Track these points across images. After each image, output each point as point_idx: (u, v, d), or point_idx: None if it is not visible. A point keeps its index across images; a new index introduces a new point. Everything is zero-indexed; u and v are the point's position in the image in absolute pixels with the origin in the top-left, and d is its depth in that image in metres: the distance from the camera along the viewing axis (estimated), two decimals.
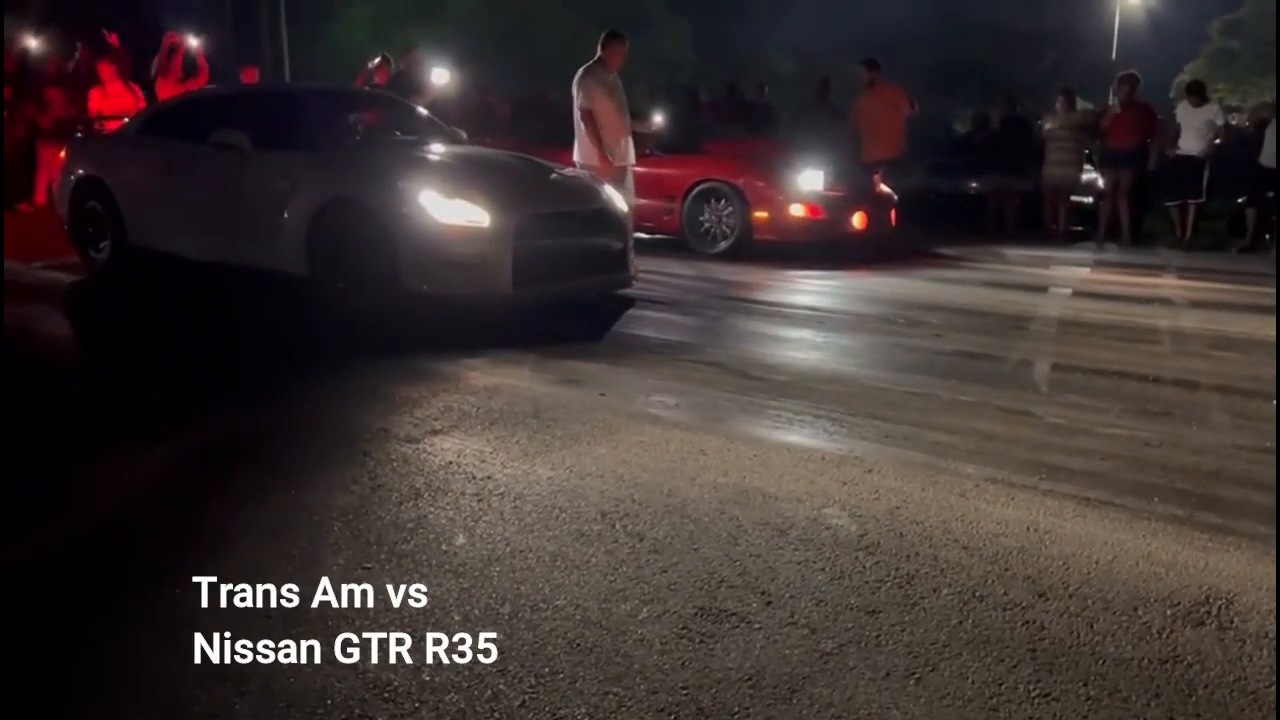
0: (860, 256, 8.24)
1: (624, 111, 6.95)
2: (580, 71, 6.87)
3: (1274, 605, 2.22)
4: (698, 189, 8.36)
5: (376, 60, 9.82)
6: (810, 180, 8.23)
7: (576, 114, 6.85)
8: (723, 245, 8.23)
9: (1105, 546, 2.53)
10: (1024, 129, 11.54)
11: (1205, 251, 9.91)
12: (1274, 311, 5.37)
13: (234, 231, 5.60)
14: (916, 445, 3.32)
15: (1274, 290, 6.13)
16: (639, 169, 7.53)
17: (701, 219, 8.37)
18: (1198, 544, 2.56)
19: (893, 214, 9.17)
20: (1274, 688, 1.91)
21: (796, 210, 8.17)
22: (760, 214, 8.15)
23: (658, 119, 8.66)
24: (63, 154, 7.03)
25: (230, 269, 5.76)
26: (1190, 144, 10.14)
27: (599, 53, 6.93)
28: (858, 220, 8.46)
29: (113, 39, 10.18)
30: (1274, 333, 4.94)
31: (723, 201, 8.28)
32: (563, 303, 5.36)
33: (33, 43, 10.38)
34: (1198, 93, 10.52)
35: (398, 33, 26.86)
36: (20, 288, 6.36)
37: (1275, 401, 3.92)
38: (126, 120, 7.31)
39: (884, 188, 9.28)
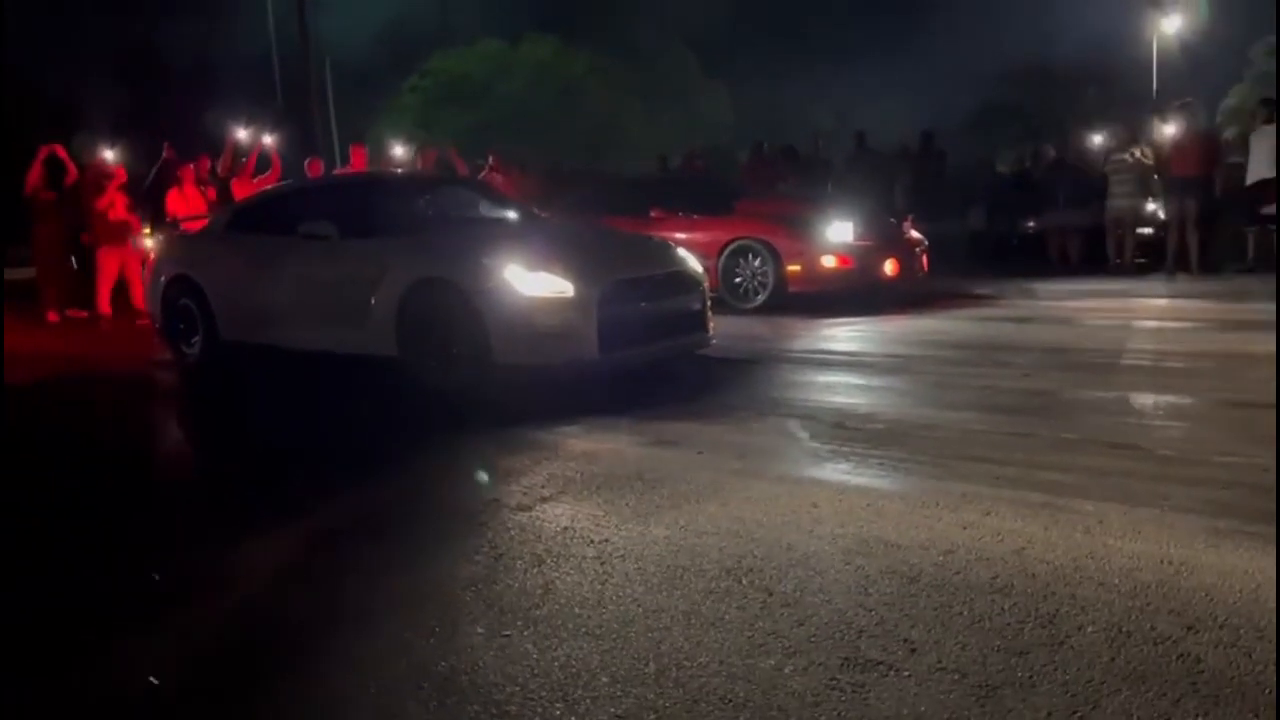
0: (897, 302, 8.31)
1: None
2: None
3: None
4: (731, 247, 8.59)
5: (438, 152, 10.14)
6: (840, 231, 8.41)
7: None
8: (758, 300, 8.45)
9: (1246, 575, 2.49)
10: (1081, 164, 11.50)
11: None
12: None
13: (325, 319, 5.75)
14: (1030, 485, 3.29)
15: None
16: (673, 233, 8.00)
17: (736, 276, 8.58)
18: None
19: (924, 259, 9.24)
20: None
21: (828, 261, 8.35)
22: (793, 267, 8.36)
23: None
24: (151, 256, 7.35)
25: (322, 356, 5.92)
26: (1264, 167, 9.94)
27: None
28: (889, 267, 8.60)
29: (169, 151, 10.77)
30: None
31: (756, 258, 8.48)
32: (646, 366, 5.43)
33: (109, 153, 10.86)
34: (1269, 109, 10.25)
35: (444, 115, 27.75)
36: (123, 386, 6.63)
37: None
38: (210, 219, 7.61)
39: (914, 233, 9.34)
